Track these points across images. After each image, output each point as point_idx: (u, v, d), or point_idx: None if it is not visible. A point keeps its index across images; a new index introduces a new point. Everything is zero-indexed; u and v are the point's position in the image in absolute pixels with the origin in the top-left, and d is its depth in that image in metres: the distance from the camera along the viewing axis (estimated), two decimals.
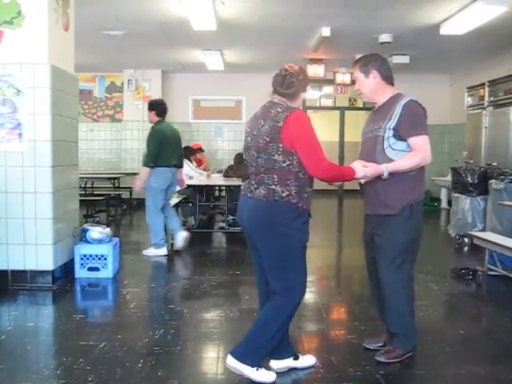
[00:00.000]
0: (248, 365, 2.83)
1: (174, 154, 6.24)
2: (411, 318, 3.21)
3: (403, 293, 3.16)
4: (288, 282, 2.86)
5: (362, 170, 2.94)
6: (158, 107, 6.33)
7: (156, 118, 6.24)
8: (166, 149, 6.04)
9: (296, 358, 3.09)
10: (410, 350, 3.19)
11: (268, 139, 2.74)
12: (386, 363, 3.12)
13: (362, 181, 3.06)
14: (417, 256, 3.23)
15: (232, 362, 2.86)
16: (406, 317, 3.18)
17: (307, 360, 3.13)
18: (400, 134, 3.03)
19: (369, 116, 3.38)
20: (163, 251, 6.18)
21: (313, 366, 3.09)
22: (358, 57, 9.27)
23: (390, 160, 3.04)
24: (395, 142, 3.05)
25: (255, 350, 2.86)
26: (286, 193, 2.76)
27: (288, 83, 2.84)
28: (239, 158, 7.60)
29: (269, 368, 2.98)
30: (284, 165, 2.74)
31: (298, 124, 2.75)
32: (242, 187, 2.97)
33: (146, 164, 6.03)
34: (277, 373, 2.96)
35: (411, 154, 3.04)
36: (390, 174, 3.01)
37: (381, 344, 3.32)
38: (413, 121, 3.03)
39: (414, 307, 3.25)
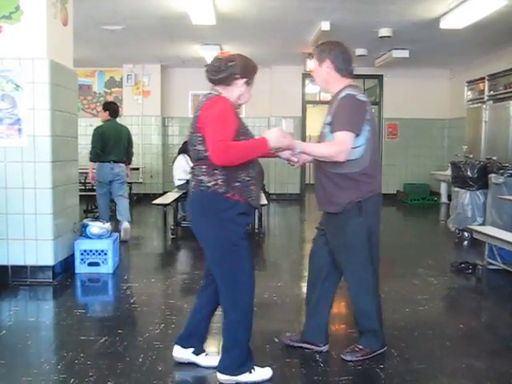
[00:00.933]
0: (242, 373, 2.79)
1: (115, 150, 6.71)
2: (377, 317, 3.15)
3: (367, 293, 3.11)
4: (228, 282, 2.76)
5: (278, 140, 2.72)
6: (111, 109, 7.00)
7: (107, 118, 6.92)
8: (105, 146, 6.62)
9: (197, 353, 3.02)
10: (377, 348, 3.15)
11: (191, 130, 2.73)
12: (353, 361, 3.09)
13: (295, 164, 3.02)
14: (378, 252, 3.16)
15: (225, 379, 2.81)
16: (372, 316, 3.13)
17: (210, 360, 3.00)
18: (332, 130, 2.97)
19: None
20: None
21: (214, 368, 2.90)
22: (357, 51, 9.17)
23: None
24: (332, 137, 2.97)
25: (237, 357, 2.79)
26: (213, 182, 2.66)
27: (215, 69, 2.75)
28: None
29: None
30: (206, 154, 2.63)
31: (209, 109, 2.65)
32: None
33: (90, 159, 6.68)
34: (276, 369, 2.96)
35: (329, 144, 2.96)
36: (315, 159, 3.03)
37: (297, 339, 3.28)
38: (340, 116, 2.92)
39: (380, 305, 3.20)
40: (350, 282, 3.15)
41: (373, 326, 3.15)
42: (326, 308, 3.26)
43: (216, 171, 2.65)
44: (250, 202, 2.73)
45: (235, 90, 2.78)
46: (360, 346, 3.16)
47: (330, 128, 2.98)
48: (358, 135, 2.90)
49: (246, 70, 2.79)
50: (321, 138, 3.12)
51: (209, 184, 2.67)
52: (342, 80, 3.06)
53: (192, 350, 3.02)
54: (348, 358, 3.12)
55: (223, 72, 2.73)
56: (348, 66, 3.08)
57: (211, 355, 3.06)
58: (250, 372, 2.81)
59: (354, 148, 2.91)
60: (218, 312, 3.00)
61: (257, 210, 2.98)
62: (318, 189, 3.15)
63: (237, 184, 2.68)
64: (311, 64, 3.18)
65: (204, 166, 2.69)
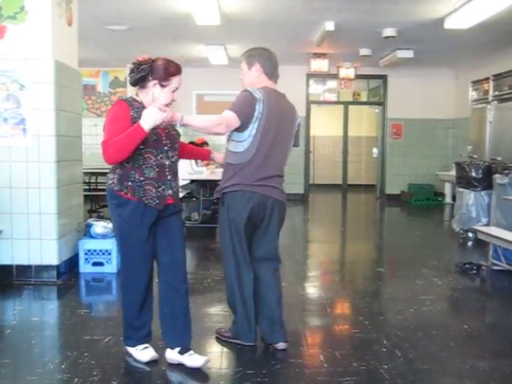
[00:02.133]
0: (127, 345, 3.13)
1: None
2: (242, 312, 3.25)
3: (229, 285, 3.30)
4: (121, 265, 3.14)
5: (152, 118, 2.69)
6: None
7: None
8: None
9: (182, 352, 3.04)
10: (242, 339, 3.30)
11: None
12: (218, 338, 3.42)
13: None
14: (244, 248, 3.23)
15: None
16: (235, 309, 3.30)
17: (196, 359, 3.02)
18: None
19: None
20: None
21: (198, 368, 2.98)
22: (361, 51, 9.22)
23: (229, 151, 3.19)
24: (234, 132, 3.12)
25: (125, 329, 3.12)
26: (111, 180, 2.93)
27: (130, 72, 2.92)
28: None
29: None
30: None
31: (107, 113, 2.89)
32: None
33: None
34: (279, 370, 2.96)
35: (209, 116, 3.07)
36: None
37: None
38: (233, 103, 3.10)
39: (249, 310, 3.24)
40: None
41: (236, 317, 3.32)
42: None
43: (117, 170, 2.90)
44: (144, 201, 2.87)
45: (149, 93, 2.90)
46: (228, 328, 3.45)
47: None
48: (242, 127, 3.06)
49: (157, 72, 2.86)
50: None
51: (109, 181, 2.95)
52: (268, 82, 3.26)
53: (178, 349, 3.05)
54: (216, 333, 3.48)
55: (135, 75, 2.89)
56: (275, 71, 3.30)
57: (195, 354, 3.05)
58: (133, 347, 3.10)
59: (236, 141, 3.12)
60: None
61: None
62: None
63: (129, 183, 2.87)
64: (241, 68, 3.33)
65: (112, 165, 2.94)
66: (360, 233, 8.42)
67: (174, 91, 2.93)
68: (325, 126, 14.13)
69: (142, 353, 3.07)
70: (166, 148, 2.93)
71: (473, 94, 9.44)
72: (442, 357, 3.22)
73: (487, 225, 6.38)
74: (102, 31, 7.91)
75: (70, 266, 4.97)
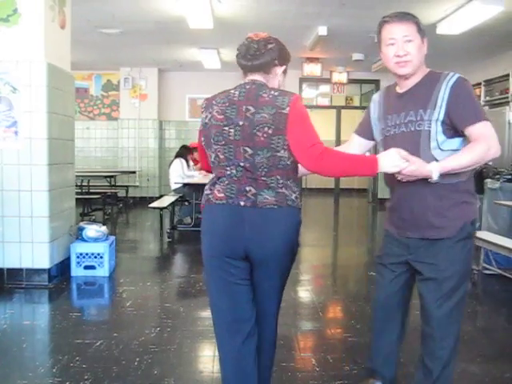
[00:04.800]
0: None
1: None
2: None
3: (456, 338, 2.48)
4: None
5: (393, 164, 2.11)
6: None
7: None
8: None
9: None
10: None
11: (271, 132, 2.09)
12: None
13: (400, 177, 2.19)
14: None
15: None
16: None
17: None
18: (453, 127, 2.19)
19: (382, 99, 2.45)
20: None
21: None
22: (354, 56, 9.13)
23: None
24: (445, 140, 2.20)
25: None
26: (294, 196, 2.20)
27: (253, 52, 2.17)
28: None
29: None
30: (289, 161, 2.17)
31: (298, 107, 2.20)
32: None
33: None
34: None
35: (473, 145, 2.14)
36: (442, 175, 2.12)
37: None
38: (474, 105, 2.28)
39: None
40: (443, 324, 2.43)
41: None
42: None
43: (294, 184, 2.22)
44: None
45: (275, 80, 2.25)
46: None
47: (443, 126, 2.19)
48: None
49: (284, 55, 2.26)
50: (406, 139, 2.25)
51: (293, 197, 2.18)
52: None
53: None
54: None
55: (264, 56, 2.18)
56: None
57: None
58: None
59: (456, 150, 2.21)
60: None
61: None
62: (410, 206, 2.29)
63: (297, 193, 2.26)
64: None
65: (280, 177, 2.15)
66: (352, 237, 8.44)
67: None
68: (317, 130, 14.10)
69: None
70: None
71: None
72: None
73: (478, 229, 6.41)
74: (95, 34, 7.91)
75: (61, 270, 4.95)
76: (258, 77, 2.20)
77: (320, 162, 2.09)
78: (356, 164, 2.14)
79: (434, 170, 2.10)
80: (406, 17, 2.25)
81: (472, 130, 2.14)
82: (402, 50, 2.23)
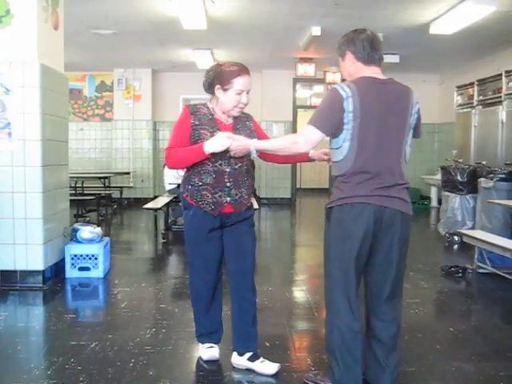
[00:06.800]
0: (199, 342, 3.24)
1: None
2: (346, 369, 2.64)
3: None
4: (189, 265, 3.18)
5: (216, 143, 2.70)
6: None
7: None
8: None
9: (253, 359, 3.04)
10: None
11: None
12: None
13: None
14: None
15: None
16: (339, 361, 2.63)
17: (268, 367, 3.01)
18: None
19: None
20: None
21: (271, 375, 2.98)
22: None
23: (332, 162, 2.70)
24: (330, 140, 2.61)
25: (195, 326, 3.24)
26: (182, 183, 3.02)
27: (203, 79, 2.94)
28: None
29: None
30: None
31: None
32: None
33: None
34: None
35: (288, 136, 2.78)
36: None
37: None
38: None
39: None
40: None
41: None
42: None
43: (184, 174, 3.00)
44: (200, 206, 2.88)
45: (218, 98, 2.87)
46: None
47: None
48: (335, 134, 2.51)
49: (219, 75, 2.82)
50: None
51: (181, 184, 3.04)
52: (365, 70, 2.70)
53: (248, 355, 3.05)
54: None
55: (204, 82, 2.90)
56: (371, 53, 2.72)
57: (266, 361, 3.05)
58: (202, 344, 3.21)
59: (334, 149, 2.57)
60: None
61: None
62: None
63: (189, 187, 2.92)
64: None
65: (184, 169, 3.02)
66: None
67: (239, 94, 2.81)
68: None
69: (205, 351, 3.17)
70: (227, 155, 2.79)
71: (458, 99, 9.53)
72: (429, 359, 3.24)
73: (472, 228, 6.44)
74: (88, 35, 7.89)
75: (56, 271, 4.94)
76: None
77: (166, 161, 2.86)
78: (188, 154, 2.79)
79: (251, 145, 2.71)
80: None
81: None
82: None
